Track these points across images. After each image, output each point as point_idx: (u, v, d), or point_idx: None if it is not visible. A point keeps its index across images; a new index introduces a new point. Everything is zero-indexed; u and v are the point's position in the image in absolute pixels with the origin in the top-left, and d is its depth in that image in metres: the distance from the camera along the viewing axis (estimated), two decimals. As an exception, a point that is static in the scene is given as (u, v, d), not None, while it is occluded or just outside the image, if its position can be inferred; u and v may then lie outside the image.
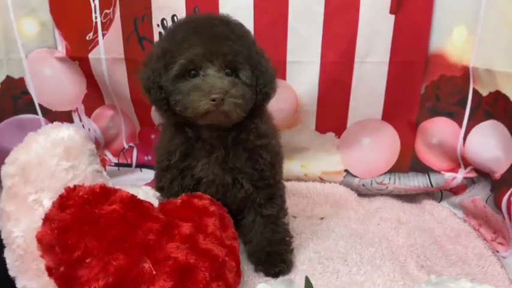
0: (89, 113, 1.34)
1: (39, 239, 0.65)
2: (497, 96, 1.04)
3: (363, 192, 1.33)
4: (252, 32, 1.17)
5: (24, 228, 0.72)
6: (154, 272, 0.66)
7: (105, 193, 0.70)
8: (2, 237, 0.75)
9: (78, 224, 0.65)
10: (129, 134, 1.41)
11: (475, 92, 1.12)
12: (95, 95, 1.33)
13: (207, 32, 0.79)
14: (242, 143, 0.87)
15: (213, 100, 0.75)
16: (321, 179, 1.35)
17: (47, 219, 0.66)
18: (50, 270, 0.65)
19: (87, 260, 0.64)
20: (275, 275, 0.94)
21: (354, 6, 1.15)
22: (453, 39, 1.13)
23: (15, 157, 0.75)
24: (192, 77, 0.79)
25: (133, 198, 0.73)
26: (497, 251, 1.00)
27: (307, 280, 0.73)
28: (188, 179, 0.90)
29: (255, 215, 0.95)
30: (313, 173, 1.35)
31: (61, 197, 0.67)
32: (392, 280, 0.91)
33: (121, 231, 0.67)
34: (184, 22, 0.84)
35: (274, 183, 0.95)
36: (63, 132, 0.78)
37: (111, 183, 0.87)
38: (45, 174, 0.74)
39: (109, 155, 1.41)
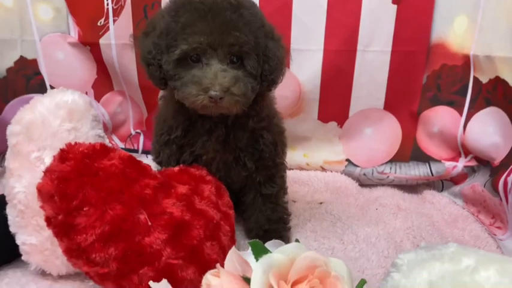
0: (98, 98, 1.38)
1: (39, 189, 0.67)
2: (497, 82, 1.05)
3: (364, 182, 1.34)
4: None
5: (26, 184, 0.75)
6: (149, 223, 0.68)
7: (104, 150, 0.73)
8: (5, 193, 0.78)
9: (78, 175, 0.67)
10: (137, 120, 1.45)
11: (476, 80, 1.13)
12: (104, 81, 1.38)
13: (214, 18, 0.73)
14: (243, 125, 0.87)
15: (211, 97, 0.73)
16: (322, 168, 1.37)
17: (48, 171, 0.68)
18: (49, 220, 0.67)
19: (84, 209, 0.66)
20: (272, 250, 0.95)
21: (356, -5, 1.18)
22: (454, 28, 1.15)
23: (21, 117, 0.78)
24: (194, 62, 0.76)
25: (132, 157, 0.76)
26: (495, 235, 1.00)
27: (296, 241, 0.73)
28: (186, 155, 0.89)
29: (255, 194, 0.96)
30: (315, 162, 1.37)
31: (62, 150, 0.69)
32: (386, 256, 0.92)
33: (119, 183, 0.69)
34: (191, 1, 0.75)
35: (274, 164, 0.94)
36: (67, 96, 0.81)
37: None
38: (47, 133, 0.76)
39: (116, 140, 1.44)
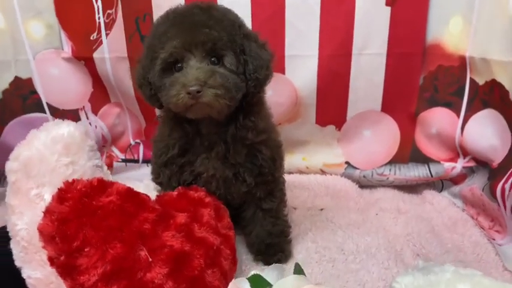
0: (95, 111, 1.38)
1: (41, 231, 0.69)
2: (493, 84, 1.04)
3: (364, 184, 1.35)
4: (250, 27, 1.21)
5: (27, 221, 0.76)
6: (150, 259, 0.69)
7: (102, 186, 0.73)
8: (8, 229, 0.80)
9: (77, 215, 0.69)
10: (136, 131, 1.45)
11: (472, 81, 1.13)
12: (101, 94, 1.38)
13: (185, 22, 0.77)
14: (241, 139, 0.87)
15: (189, 93, 0.74)
16: (322, 171, 1.37)
17: (48, 211, 0.70)
18: (52, 260, 0.69)
19: (85, 249, 0.67)
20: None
21: (349, -2, 1.16)
22: (450, 29, 1.14)
23: (18, 153, 0.79)
24: (178, 71, 0.78)
25: (129, 190, 0.76)
26: (494, 239, 1.00)
27: (296, 266, 0.75)
28: (186, 175, 0.90)
29: (255, 209, 0.97)
30: (314, 165, 1.37)
31: (60, 190, 0.71)
32: (386, 268, 0.93)
33: (118, 221, 0.70)
34: (166, 15, 0.81)
35: (273, 179, 0.95)
36: (63, 129, 0.81)
37: (111, 178, 0.91)
38: (45, 169, 0.77)
39: (116, 151, 1.45)
